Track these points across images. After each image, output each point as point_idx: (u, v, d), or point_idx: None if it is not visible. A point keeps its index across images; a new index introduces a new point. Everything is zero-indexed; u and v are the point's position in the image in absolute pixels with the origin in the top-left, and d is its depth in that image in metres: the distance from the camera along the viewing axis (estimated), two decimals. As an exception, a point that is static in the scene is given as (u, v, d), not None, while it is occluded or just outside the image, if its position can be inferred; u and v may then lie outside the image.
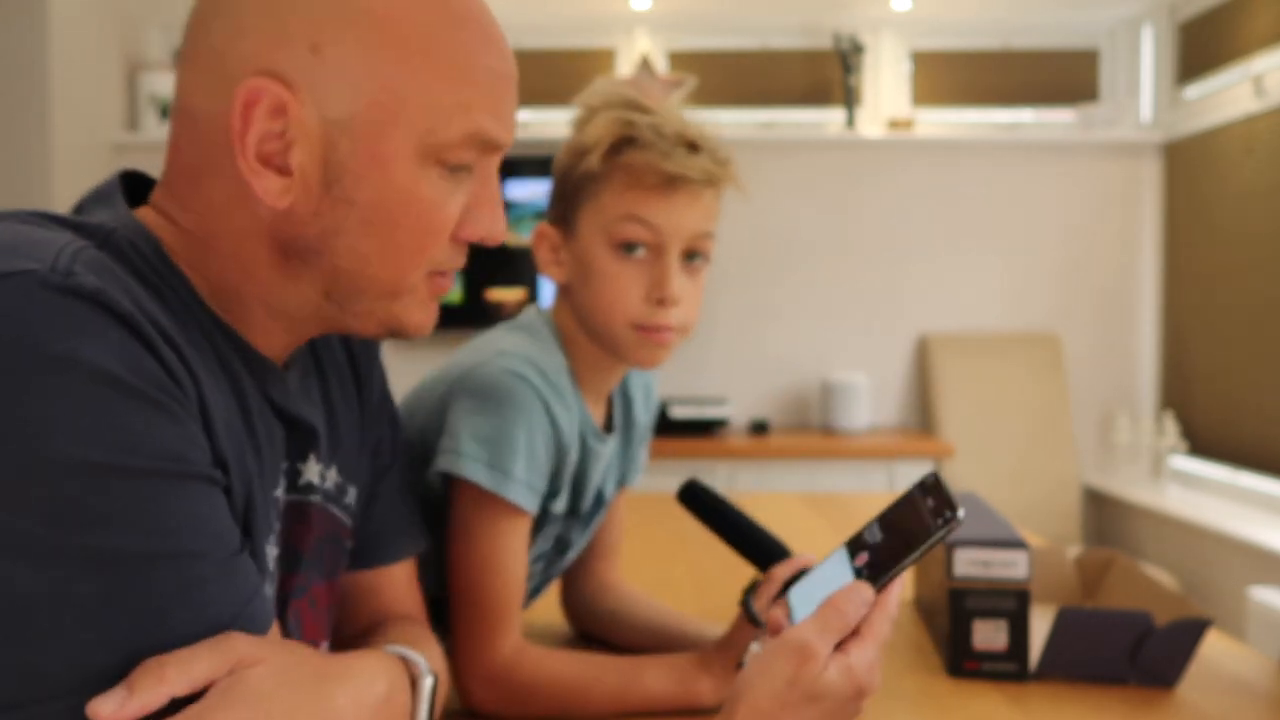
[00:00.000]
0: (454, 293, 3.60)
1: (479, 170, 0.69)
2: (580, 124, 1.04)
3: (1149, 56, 3.66)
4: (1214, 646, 1.12)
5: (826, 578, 0.72)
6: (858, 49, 3.65)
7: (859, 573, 0.70)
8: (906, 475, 3.28)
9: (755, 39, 3.77)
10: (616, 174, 1.00)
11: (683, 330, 1.01)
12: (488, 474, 0.94)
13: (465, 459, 0.95)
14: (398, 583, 0.88)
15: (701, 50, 3.77)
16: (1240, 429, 3.15)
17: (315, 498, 0.76)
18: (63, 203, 3.11)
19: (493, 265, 3.45)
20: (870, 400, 3.59)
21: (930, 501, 0.70)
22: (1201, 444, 3.35)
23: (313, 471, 0.75)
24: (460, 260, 0.71)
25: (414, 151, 0.64)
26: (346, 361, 0.83)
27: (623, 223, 0.99)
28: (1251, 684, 1.03)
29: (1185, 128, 3.46)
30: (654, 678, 0.97)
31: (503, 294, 3.54)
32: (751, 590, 0.96)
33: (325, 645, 0.79)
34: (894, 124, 3.66)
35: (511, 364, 0.98)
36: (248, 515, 0.64)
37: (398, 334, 0.71)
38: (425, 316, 0.71)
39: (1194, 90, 3.46)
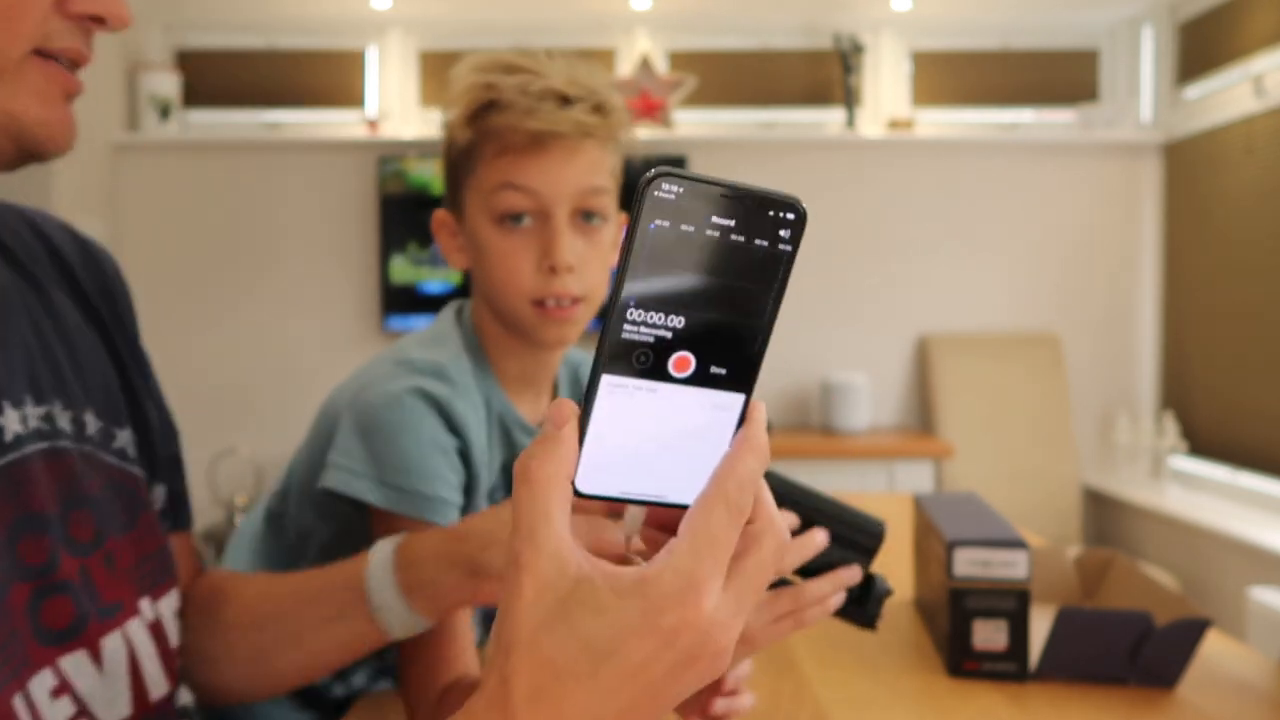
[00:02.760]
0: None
1: None
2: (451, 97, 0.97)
3: (1149, 56, 3.66)
4: (1214, 646, 1.12)
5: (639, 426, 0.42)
6: (858, 49, 3.66)
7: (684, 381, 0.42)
8: (907, 475, 3.29)
9: (755, 39, 3.77)
10: (486, 143, 0.93)
11: (587, 299, 0.94)
12: (379, 491, 0.88)
13: (356, 477, 0.88)
14: (190, 546, 0.84)
15: (701, 50, 3.77)
16: (1240, 429, 3.15)
17: (66, 443, 0.67)
18: (62, 202, 3.11)
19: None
20: (870, 400, 3.59)
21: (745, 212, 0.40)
22: (1201, 444, 3.35)
23: (13, 420, 0.64)
24: (80, 46, 0.61)
25: None
26: (64, 281, 0.75)
27: (499, 193, 0.93)
28: (1251, 684, 1.03)
29: (1185, 128, 3.46)
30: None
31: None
32: None
33: (145, 602, 0.71)
34: (894, 124, 3.66)
35: (391, 385, 0.91)
36: None
37: (24, 143, 0.60)
38: (47, 111, 0.59)
39: (1194, 90, 3.46)
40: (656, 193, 0.39)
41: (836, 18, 3.69)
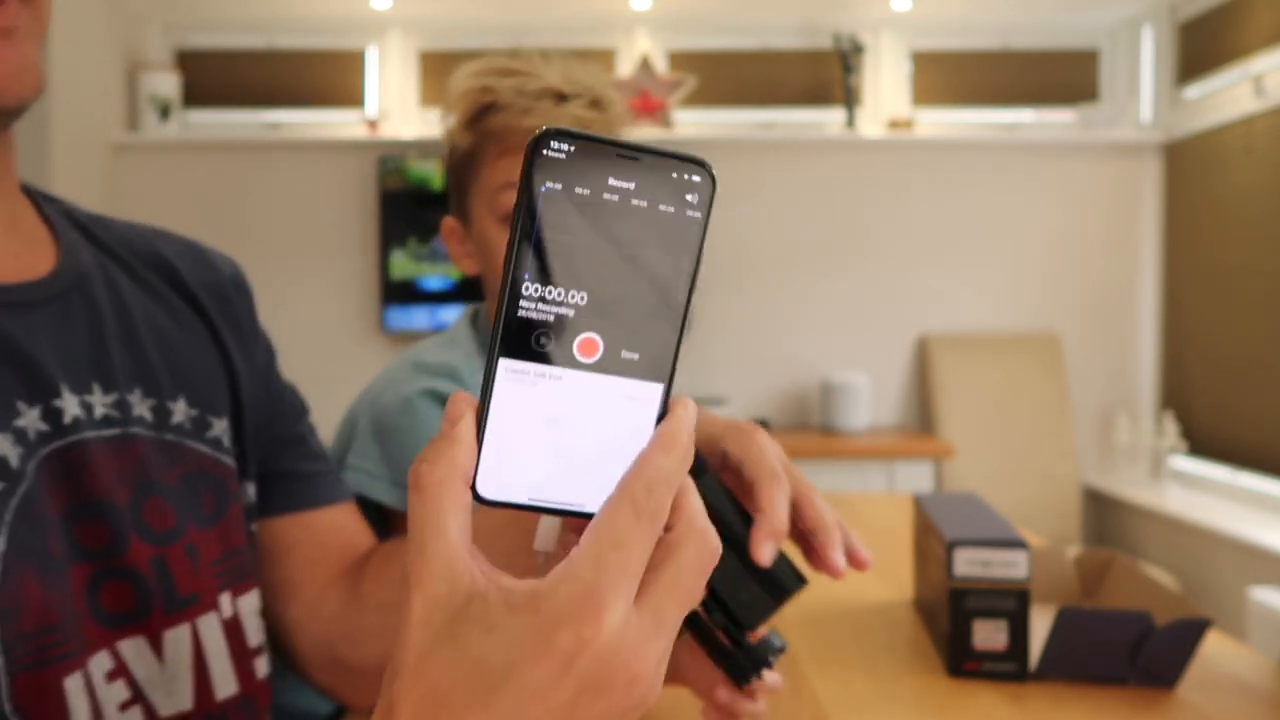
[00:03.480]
0: (454, 293, 3.57)
1: None
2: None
3: (1149, 56, 3.66)
4: (1214, 646, 1.12)
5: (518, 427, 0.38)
6: (858, 49, 3.66)
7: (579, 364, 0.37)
8: (907, 475, 3.29)
9: (755, 39, 3.77)
10: (487, 145, 0.94)
11: None
12: (394, 493, 0.91)
13: (373, 479, 0.91)
14: (351, 518, 0.81)
15: (701, 50, 3.77)
16: (1240, 429, 3.15)
17: (141, 430, 0.66)
18: (63, 203, 3.11)
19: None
20: (870, 400, 3.59)
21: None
22: (1201, 444, 3.34)
23: (72, 404, 0.62)
24: None
25: None
26: (166, 280, 0.74)
27: (502, 193, 0.94)
28: (1251, 684, 1.03)
29: (1185, 128, 3.46)
30: None
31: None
32: None
33: (225, 597, 0.69)
34: (894, 124, 3.66)
35: (405, 389, 0.93)
36: None
37: None
38: None
39: (1194, 90, 3.46)
40: (546, 151, 0.35)
41: (836, 18, 3.69)
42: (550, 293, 0.36)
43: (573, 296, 0.36)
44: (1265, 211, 3.02)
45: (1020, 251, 3.68)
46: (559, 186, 0.36)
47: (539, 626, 0.34)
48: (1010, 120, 3.79)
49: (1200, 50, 3.41)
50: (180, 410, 0.69)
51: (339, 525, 0.80)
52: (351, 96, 3.76)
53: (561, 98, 0.93)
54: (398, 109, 3.72)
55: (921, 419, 3.70)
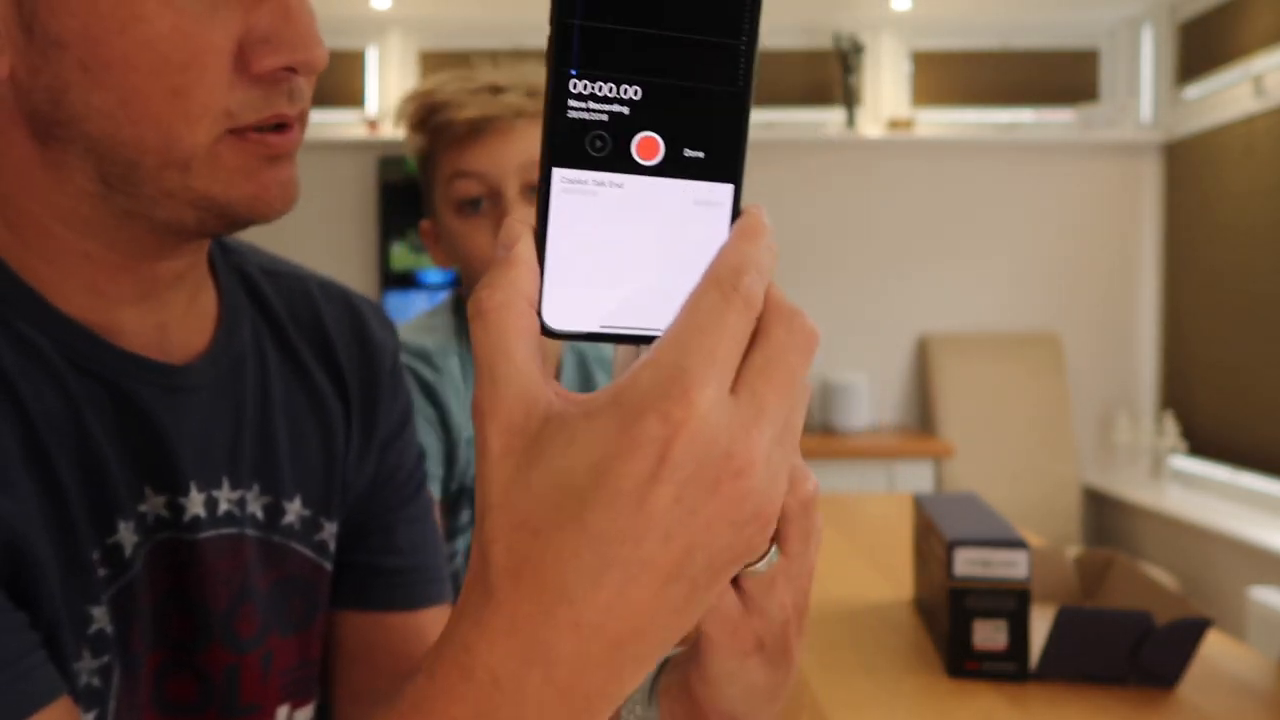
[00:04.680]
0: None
1: None
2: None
3: (1149, 56, 3.66)
4: (1214, 646, 1.12)
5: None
6: (858, 49, 3.65)
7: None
8: (907, 475, 3.28)
9: (755, 39, 3.77)
10: (436, 142, 1.02)
11: None
12: None
13: None
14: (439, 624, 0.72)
15: (701, 50, 3.77)
16: (1240, 429, 3.15)
17: (250, 530, 0.63)
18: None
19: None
20: (870, 400, 3.59)
21: None
22: (1201, 444, 3.34)
23: (197, 503, 0.60)
24: (280, 110, 0.53)
25: None
26: (319, 354, 0.70)
27: (452, 183, 1.01)
28: (1251, 684, 1.03)
29: (1185, 128, 3.46)
30: None
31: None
32: None
33: (284, 709, 0.65)
34: (894, 124, 3.66)
35: None
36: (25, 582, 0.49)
37: (231, 217, 0.53)
38: (255, 187, 0.53)
39: (1194, 90, 3.46)
40: None
41: (836, 18, 3.69)
42: (601, 89, 0.33)
43: (625, 91, 0.33)
44: (1265, 212, 3.02)
45: (1020, 251, 3.68)
46: None
47: (622, 419, 0.31)
48: (1010, 120, 3.79)
49: (1200, 50, 3.40)
50: (293, 510, 0.66)
51: (420, 629, 0.72)
52: (351, 96, 3.76)
53: (498, 89, 1.01)
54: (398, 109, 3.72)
55: (921, 419, 3.70)
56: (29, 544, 0.49)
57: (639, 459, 0.30)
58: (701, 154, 0.34)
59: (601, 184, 0.33)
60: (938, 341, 3.63)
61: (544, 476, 0.31)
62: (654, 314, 0.34)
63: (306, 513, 0.67)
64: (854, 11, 3.65)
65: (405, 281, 3.62)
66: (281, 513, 0.65)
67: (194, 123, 0.49)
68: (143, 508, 0.57)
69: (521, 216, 0.34)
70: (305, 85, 0.55)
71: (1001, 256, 3.68)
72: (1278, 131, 2.97)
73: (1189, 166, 3.47)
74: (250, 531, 0.63)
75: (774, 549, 0.43)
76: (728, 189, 0.35)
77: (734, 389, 0.32)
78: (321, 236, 3.64)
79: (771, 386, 0.32)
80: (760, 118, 3.78)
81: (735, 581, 0.41)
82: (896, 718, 0.96)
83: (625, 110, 0.33)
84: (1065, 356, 3.63)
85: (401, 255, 3.60)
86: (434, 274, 3.60)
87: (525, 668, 0.32)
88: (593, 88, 0.33)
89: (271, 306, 0.69)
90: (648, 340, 0.34)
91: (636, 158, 0.34)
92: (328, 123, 3.74)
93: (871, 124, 3.74)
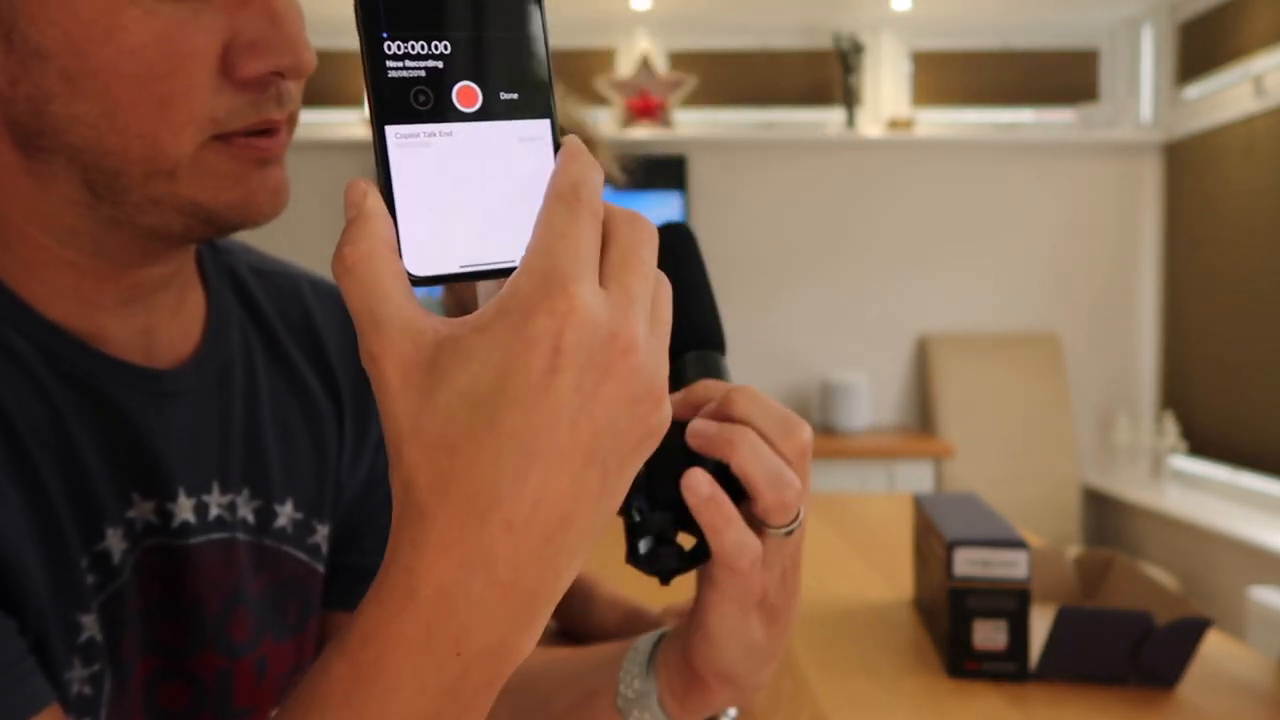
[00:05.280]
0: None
1: None
2: None
3: (1149, 56, 3.66)
4: (1214, 646, 1.12)
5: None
6: (858, 49, 3.66)
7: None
8: (907, 475, 3.29)
9: (755, 39, 3.77)
10: None
11: None
12: None
13: None
14: None
15: (701, 50, 3.77)
16: (1240, 429, 3.15)
17: (242, 535, 0.63)
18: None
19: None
20: (870, 400, 3.59)
21: None
22: (1201, 444, 3.35)
23: (186, 508, 0.59)
24: (269, 109, 0.52)
25: None
26: (310, 355, 0.69)
27: None
28: (1251, 684, 1.03)
29: (1185, 128, 3.46)
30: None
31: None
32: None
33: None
34: (894, 124, 3.66)
35: None
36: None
37: (219, 223, 0.53)
38: (242, 192, 0.53)
39: (1194, 90, 3.46)
40: None
41: (836, 18, 3.69)
42: (414, 47, 0.36)
43: (436, 47, 0.36)
44: (1265, 211, 3.02)
45: (1020, 252, 3.68)
46: None
47: (513, 323, 0.33)
48: (1010, 120, 3.79)
49: (1200, 50, 3.41)
50: (285, 514, 0.66)
51: None
52: (351, 97, 3.76)
53: None
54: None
55: (921, 419, 3.70)
56: (16, 553, 0.49)
57: (536, 354, 0.33)
58: (515, 95, 0.37)
59: (433, 135, 0.36)
60: (938, 341, 3.64)
61: (449, 396, 0.33)
62: (507, 246, 0.37)
63: (299, 516, 0.66)
64: (854, 11, 3.65)
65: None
66: (273, 516, 0.65)
67: (179, 131, 0.49)
68: (130, 514, 0.57)
69: (359, 179, 0.36)
70: (294, 88, 0.54)
71: (1001, 256, 3.68)
72: (1278, 131, 2.97)
73: (1189, 166, 3.47)
74: (242, 536, 0.63)
75: (800, 516, 0.47)
76: (545, 123, 0.38)
77: (601, 283, 0.35)
78: (320, 236, 3.64)
79: (634, 277, 0.35)
80: (760, 118, 3.78)
81: (760, 533, 0.45)
82: (896, 718, 0.96)
83: (439, 65, 0.36)
84: (1065, 356, 3.63)
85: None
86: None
87: (468, 575, 0.34)
88: (405, 47, 0.36)
89: (260, 307, 0.68)
90: (506, 273, 0.37)
91: (459, 106, 0.36)
92: (327, 122, 3.74)
93: (871, 124, 3.74)
